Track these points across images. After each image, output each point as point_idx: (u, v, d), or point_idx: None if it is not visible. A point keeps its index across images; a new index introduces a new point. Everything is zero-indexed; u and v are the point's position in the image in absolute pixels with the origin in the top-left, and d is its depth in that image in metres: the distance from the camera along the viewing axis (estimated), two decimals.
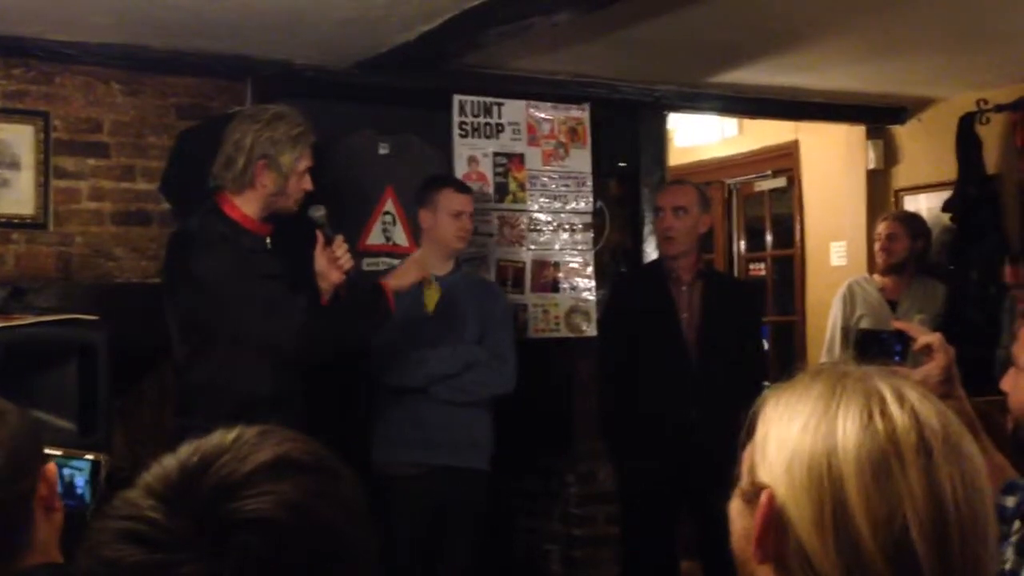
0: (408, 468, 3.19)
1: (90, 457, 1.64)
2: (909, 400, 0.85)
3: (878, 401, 0.84)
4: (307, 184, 2.80)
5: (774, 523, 0.84)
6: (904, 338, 1.68)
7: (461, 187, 3.45)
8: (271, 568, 0.71)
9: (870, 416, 0.83)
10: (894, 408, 0.83)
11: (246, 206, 2.76)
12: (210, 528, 0.71)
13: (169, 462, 0.78)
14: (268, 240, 2.80)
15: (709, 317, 3.51)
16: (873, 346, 1.69)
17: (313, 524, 0.75)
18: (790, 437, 0.85)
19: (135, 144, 3.61)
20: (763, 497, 0.85)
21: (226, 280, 2.64)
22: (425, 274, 3.06)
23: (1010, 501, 1.57)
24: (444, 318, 3.25)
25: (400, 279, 2.97)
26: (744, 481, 0.89)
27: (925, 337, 1.68)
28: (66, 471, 1.61)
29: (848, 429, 0.83)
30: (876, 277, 4.43)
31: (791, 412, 0.86)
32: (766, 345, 5.52)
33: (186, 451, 0.78)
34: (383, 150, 3.87)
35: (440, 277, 3.29)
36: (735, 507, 0.90)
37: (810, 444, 0.83)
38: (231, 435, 0.79)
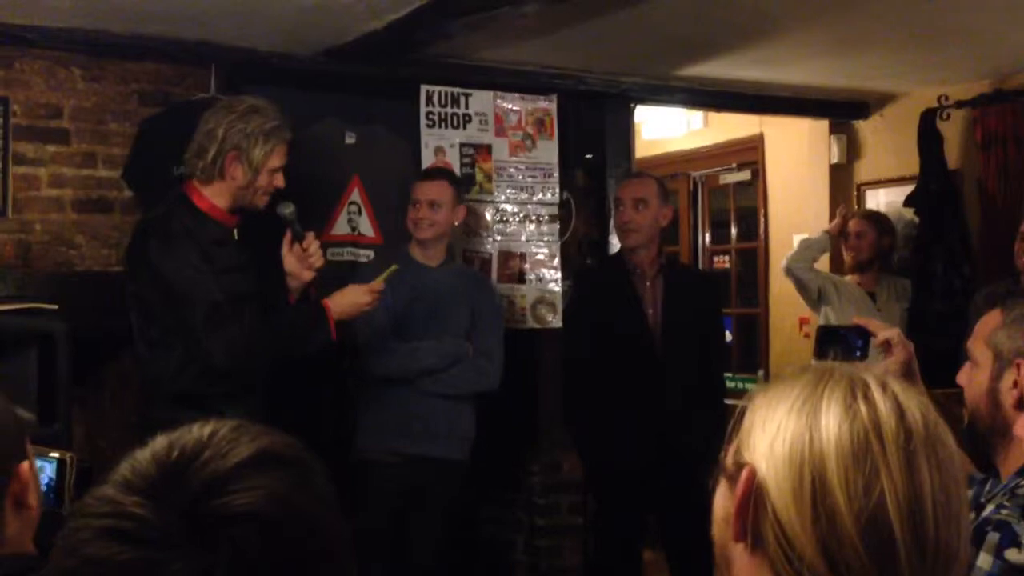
0: (387, 456, 3.20)
1: (55, 455, 1.60)
2: (892, 389, 0.87)
3: (862, 387, 0.87)
4: (278, 181, 2.76)
5: (753, 497, 0.86)
6: (864, 334, 1.70)
7: (426, 174, 3.42)
8: (261, 562, 0.72)
9: (854, 398, 0.85)
10: (877, 394, 0.86)
11: (215, 197, 2.73)
12: (200, 524, 0.72)
13: (144, 457, 0.77)
14: (235, 232, 2.77)
15: (673, 310, 3.52)
16: (834, 343, 1.70)
17: (297, 516, 0.76)
18: (775, 419, 0.87)
19: (96, 130, 3.55)
20: (744, 473, 0.86)
21: (178, 278, 2.60)
22: (371, 301, 2.86)
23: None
24: (433, 309, 3.27)
25: (345, 308, 2.79)
26: (728, 463, 0.90)
27: (884, 332, 1.70)
28: None
29: (832, 410, 0.85)
30: (848, 277, 4.47)
31: (778, 400, 0.89)
32: (729, 336, 5.59)
33: (161, 446, 0.78)
34: (350, 139, 3.84)
35: (431, 268, 3.29)
36: (719, 492, 0.92)
37: (794, 423, 0.86)
38: (206, 430, 0.80)
